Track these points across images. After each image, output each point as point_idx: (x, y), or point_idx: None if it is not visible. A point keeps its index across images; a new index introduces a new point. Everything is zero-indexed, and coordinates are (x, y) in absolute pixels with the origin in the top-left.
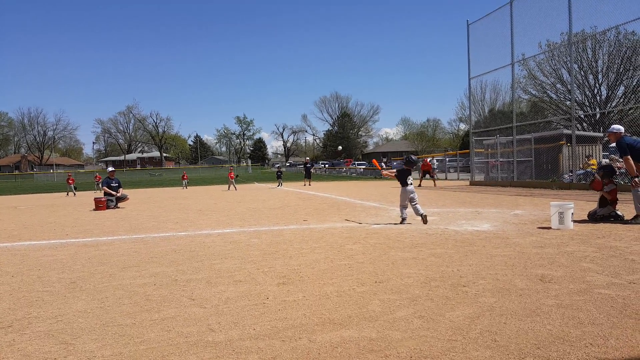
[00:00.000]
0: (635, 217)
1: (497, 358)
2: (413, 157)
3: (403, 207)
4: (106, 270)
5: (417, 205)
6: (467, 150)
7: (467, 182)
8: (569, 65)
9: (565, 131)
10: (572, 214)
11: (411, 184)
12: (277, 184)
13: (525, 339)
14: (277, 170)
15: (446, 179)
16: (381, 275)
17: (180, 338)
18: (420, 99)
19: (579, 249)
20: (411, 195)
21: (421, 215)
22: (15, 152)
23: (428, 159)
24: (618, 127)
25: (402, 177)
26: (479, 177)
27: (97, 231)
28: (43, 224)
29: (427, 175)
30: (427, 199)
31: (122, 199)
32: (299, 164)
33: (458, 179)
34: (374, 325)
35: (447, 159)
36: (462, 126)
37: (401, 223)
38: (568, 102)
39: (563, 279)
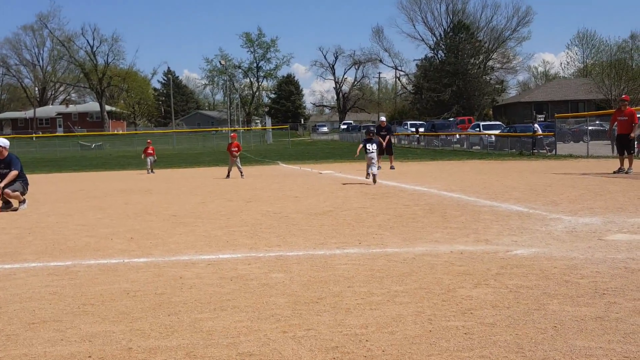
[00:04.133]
0: None
1: None
2: (371, 127)
3: (369, 166)
4: None
5: (371, 167)
6: None
7: None
8: None
9: None
10: None
11: (372, 150)
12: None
13: None
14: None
15: None
16: (533, 354)
17: None
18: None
19: None
20: (372, 160)
21: (372, 175)
22: None
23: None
24: None
25: (364, 147)
26: None
27: None
28: None
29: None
30: (612, 200)
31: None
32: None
33: None
34: None
35: None
36: None
37: (367, 177)
38: None
39: None
